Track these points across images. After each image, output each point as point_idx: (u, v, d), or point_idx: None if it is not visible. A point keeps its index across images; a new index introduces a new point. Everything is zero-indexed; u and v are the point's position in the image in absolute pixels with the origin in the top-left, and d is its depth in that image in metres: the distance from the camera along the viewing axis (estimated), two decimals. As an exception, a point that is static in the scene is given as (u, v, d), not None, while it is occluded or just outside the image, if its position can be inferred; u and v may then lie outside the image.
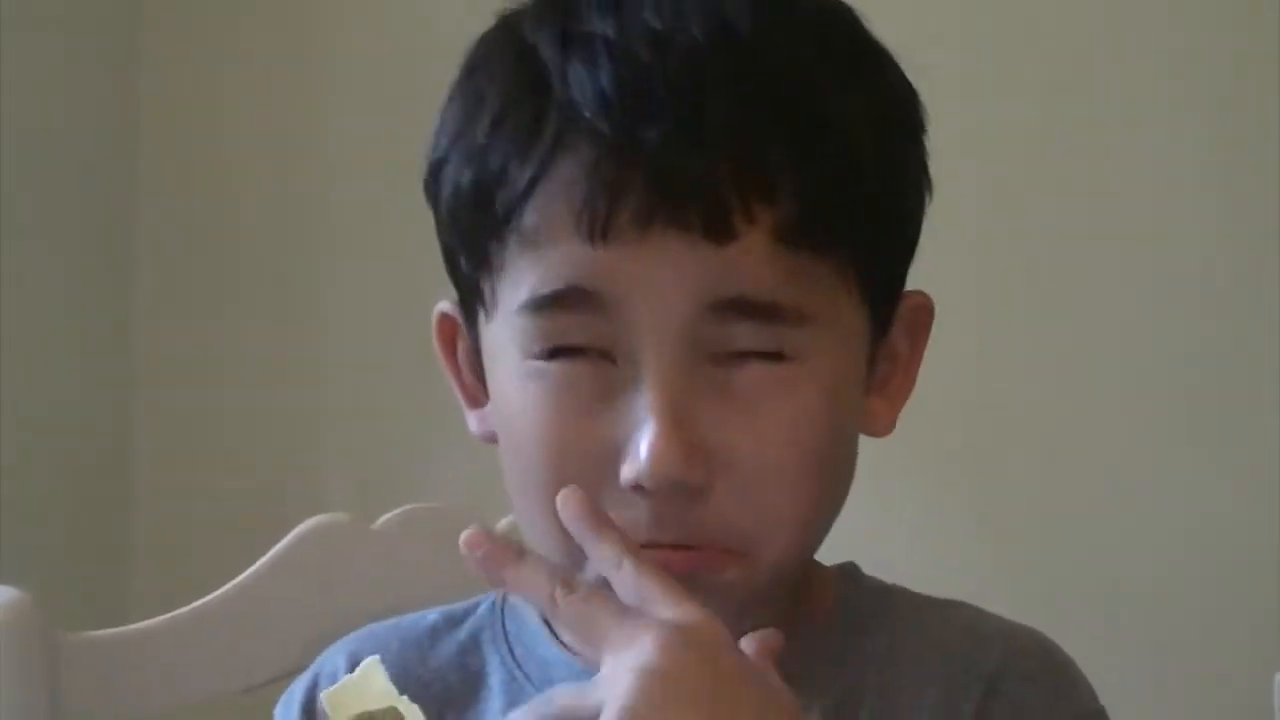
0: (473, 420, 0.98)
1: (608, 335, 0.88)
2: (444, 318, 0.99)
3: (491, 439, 0.96)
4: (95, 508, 2.27)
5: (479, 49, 0.95)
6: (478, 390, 0.97)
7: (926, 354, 0.99)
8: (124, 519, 2.29)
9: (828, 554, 1.01)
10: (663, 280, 0.86)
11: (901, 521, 2.09)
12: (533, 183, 0.87)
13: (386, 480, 2.15)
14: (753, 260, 0.86)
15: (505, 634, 1.00)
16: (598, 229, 0.86)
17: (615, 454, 0.87)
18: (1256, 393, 2.04)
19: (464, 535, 0.83)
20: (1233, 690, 1.98)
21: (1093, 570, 2.11)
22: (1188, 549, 2.10)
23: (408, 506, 1.38)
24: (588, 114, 0.86)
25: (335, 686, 0.85)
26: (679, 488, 0.86)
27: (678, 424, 0.86)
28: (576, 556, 0.86)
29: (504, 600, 1.02)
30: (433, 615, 1.03)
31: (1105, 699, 2.21)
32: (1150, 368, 2.07)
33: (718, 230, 0.85)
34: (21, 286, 2.16)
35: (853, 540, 1.00)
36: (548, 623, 0.97)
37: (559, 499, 0.84)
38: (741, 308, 0.87)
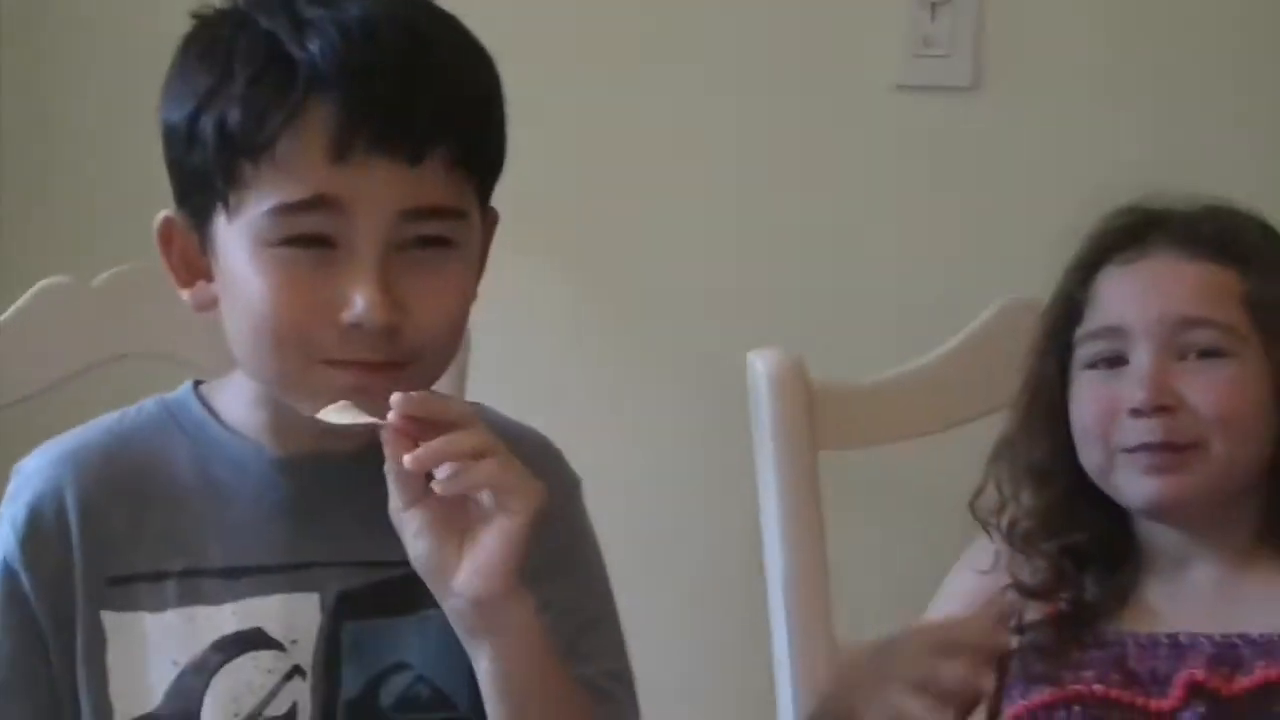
0: (186, 295, 1.37)
1: (332, 229, 1.28)
2: (168, 220, 1.37)
3: (206, 307, 1.36)
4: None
5: (205, 31, 1.33)
6: (187, 276, 1.36)
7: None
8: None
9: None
10: (378, 193, 1.28)
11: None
12: (289, 119, 1.27)
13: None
14: (434, 180, 1.30)
15: (179, 424, 1.40)
16: (340, 153, 1.27)
17: (335, 308, 1.28)
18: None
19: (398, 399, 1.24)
20: (713, 369, 2.15)
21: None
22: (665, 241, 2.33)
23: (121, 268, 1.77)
24: (329, 75, 1.27)
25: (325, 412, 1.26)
26: (384, 326, 1.28)
27: (384, 286, 1.28)
28: (294, 383, 1.31)
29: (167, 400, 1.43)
30: (111, 419, 1.42)
31: (580, 390, 2.39)
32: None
33: (414, 158, 1.29)
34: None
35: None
36: (212, 412, 1.40)
37: (396, 399, 1.24)
38: (425, 213, 1.31)
